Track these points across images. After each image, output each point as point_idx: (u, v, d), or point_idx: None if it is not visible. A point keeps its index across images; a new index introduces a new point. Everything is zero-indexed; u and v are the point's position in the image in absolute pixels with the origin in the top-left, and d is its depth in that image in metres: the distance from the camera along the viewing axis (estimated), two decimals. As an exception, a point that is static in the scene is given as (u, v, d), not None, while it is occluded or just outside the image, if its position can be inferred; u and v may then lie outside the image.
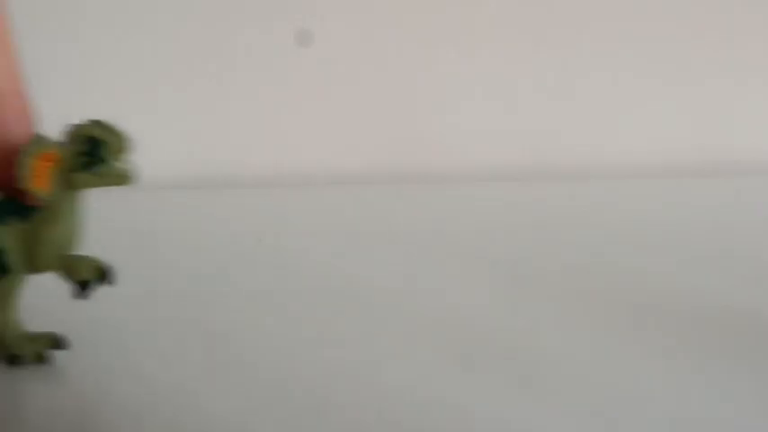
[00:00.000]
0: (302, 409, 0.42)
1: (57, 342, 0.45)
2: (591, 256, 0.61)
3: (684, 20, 0.90)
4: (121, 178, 0.42)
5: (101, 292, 0.44)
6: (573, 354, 0.47)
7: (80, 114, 0.43)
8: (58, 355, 0.45)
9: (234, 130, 0.80)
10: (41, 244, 0.43)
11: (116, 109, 0.73)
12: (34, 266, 0.44)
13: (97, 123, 0.42)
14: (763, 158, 0.91)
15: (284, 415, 0.41)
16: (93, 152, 0.42)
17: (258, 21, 0.82)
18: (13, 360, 0.44)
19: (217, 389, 0.43)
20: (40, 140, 0.42)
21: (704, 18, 0.91)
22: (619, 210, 0.74)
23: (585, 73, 0.80)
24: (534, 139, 0.82)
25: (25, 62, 0.44)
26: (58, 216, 0.43)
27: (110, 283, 0.44)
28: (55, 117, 0.43)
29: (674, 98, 0.89)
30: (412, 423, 0.40)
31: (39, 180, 0.42)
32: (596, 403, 0.42)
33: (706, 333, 0.50)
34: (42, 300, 0.46)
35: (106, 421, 0.41)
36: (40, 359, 0.44)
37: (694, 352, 0.48)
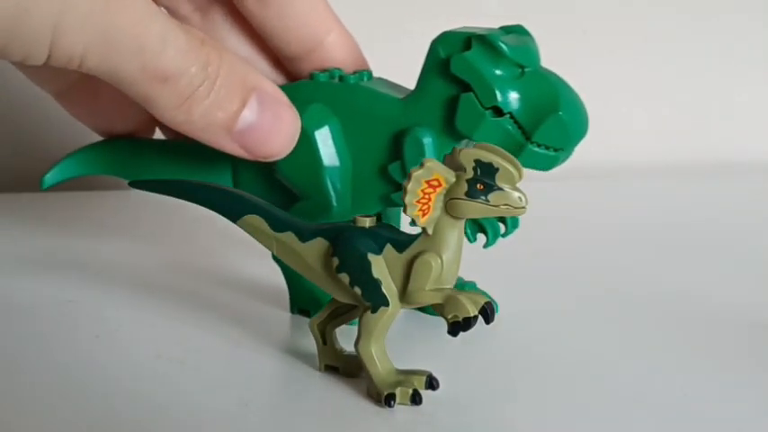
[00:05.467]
0: None
1: (430, 382, 0.41)
2: (589, 253, 0.60)
3: (684, 20, 0.90)
4: (515, 209, 0.38)
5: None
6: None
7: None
8: (427, 396, 0.41)
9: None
10: (419, 276, 0.39)
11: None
12: (410, 299, 0.40)
13: (486, 148, 0.38)
14: (764, 158, 0.91)
15: None
16: (483, 178, 0.38)
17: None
18: (384, 399, 0.40)
19: None
20: (426, 165, 0.38)
21: (704, 19, 0.91)
22: (618, 208, 0.74)
23: (586, 72, 0.75)
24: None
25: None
26: (440, 246, 0.39)
27: (489, 321, 0.39)
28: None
29: (674, 98, 0.89)
30: None
31: (421, 207, 0.38)
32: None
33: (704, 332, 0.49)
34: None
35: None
36: (413, 399, 0.40)
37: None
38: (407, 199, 0.38)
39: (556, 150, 0.45)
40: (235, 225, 0.44)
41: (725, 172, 0.89)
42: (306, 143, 0.47)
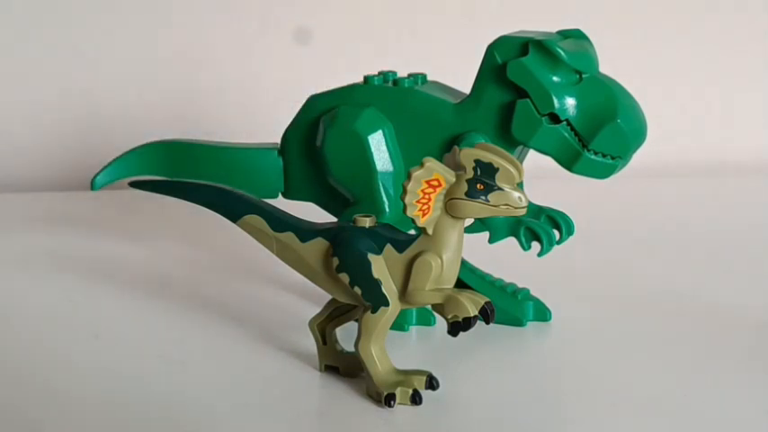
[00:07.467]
0: None
1: (430, 382, 0.41)
2: (589, 253, 0.59)
3: (684, 20, 0.90)
4: (515, 209, 0.38)
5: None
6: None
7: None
8: (427, 396, 0.41)
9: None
10: (419, 276, 0.39)
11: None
12: (410, 299, 0.40)
13: (486, 147, 0.38)
14: (764, 158, 0.90)
15: None
16: (483, 178, 0.38)
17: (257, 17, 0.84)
18: (384, 399, 0.40)
19: None
20: (426, 165, 0.38)
21: (704, 18, 0.90)
22: (617, 208, 0.73)
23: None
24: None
25: None
26: (440, 246, 0.39)
27: (489, 321, 0.39)
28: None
29: (673, 98, 0.88)
30: None
31: (421, 207, 0.38)
32: None
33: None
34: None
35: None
36: (413, 399, 0.40)
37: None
38: (407, 199, 0.38)
39: (613, 158, 0.44)
40: (235, 225, 0.44)
41: (725, 172, 0.89)
42: (359, 148, 0.47)
